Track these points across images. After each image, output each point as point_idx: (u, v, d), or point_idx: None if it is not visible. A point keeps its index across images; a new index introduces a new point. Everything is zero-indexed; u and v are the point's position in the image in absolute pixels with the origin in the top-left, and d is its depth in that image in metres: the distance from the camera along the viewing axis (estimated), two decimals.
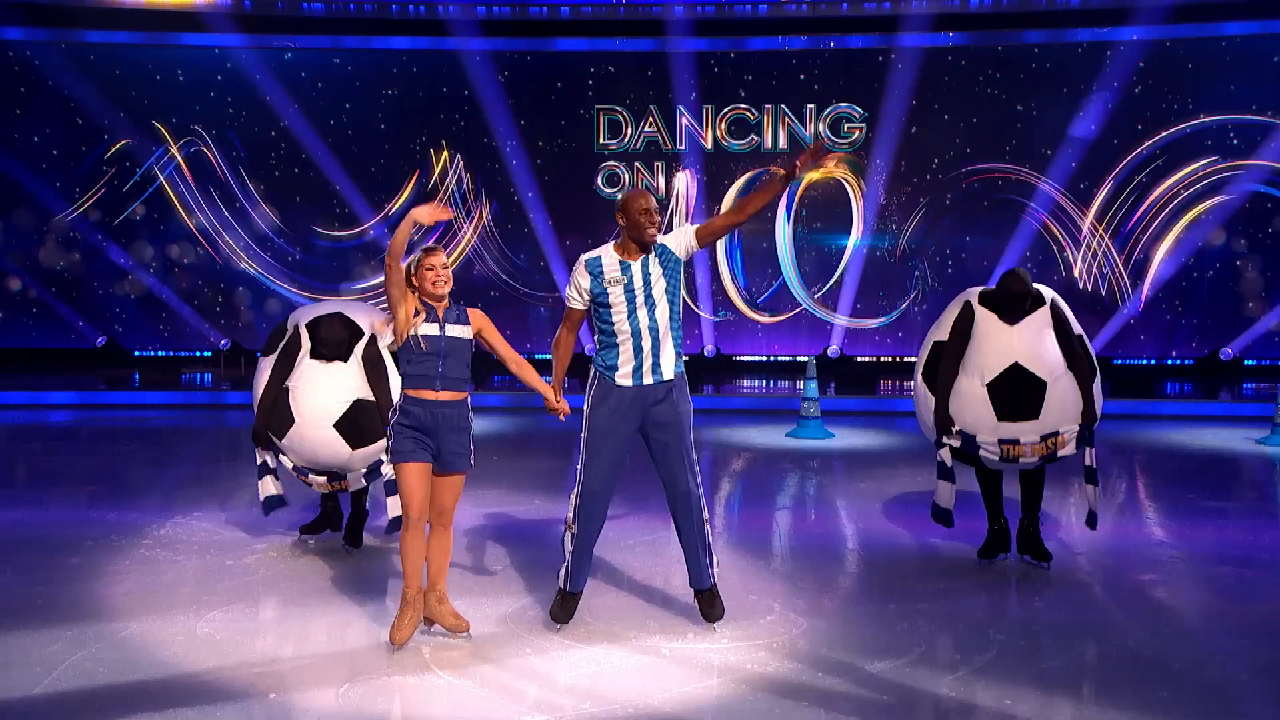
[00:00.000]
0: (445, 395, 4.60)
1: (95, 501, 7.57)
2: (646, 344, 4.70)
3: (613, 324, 4.71)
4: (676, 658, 4.52)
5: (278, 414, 5.85)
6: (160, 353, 16.87)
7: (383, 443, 5.74)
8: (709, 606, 4.85)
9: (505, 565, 5.90)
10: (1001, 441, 5.60)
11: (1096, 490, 5.78)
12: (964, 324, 5.73)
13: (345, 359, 5.83)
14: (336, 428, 5.76)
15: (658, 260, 4.73)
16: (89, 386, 14.29)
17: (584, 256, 4.79)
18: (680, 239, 4.77)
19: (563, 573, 4.86)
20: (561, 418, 4.83)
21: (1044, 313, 5.68)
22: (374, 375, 5.83)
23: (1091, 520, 5.83)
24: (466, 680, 4.28)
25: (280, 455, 6.04)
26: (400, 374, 4.69)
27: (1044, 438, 5.58)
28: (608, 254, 4.76)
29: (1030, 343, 5.59)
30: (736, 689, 4.19)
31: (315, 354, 5.85)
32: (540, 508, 7.36)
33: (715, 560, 4.91)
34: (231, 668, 4.37)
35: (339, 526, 6.39)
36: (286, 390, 5.84)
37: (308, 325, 5.93)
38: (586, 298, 4.75)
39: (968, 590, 5.50)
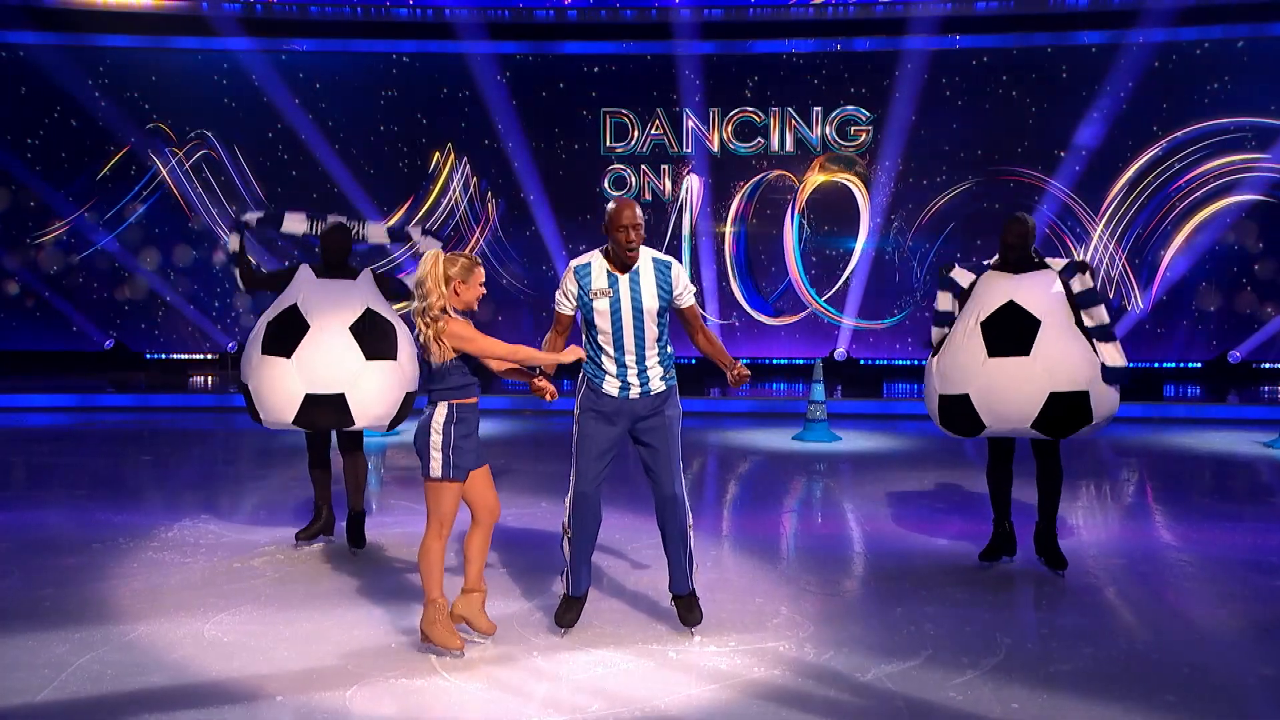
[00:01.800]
0: (477, 397, 4.65)
1: (102, 503, 7.58)
2: (631, 359, 4.67)
3: (597, 337, 4.69)
4: (683, 660, 4.52)
5: (287, 327, 5.75)
6: (168, 355, 16.90)
7: (388, 378, 5.75)
8: (688, 611, 4.83)
9: (511, 568, 5.89)
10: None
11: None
12: (972, 285, 5.76)
13: (353, 277, 5.99)
14: (352, 330, 5.74)
15: (654, 277, 4.65)
16: (96, 389, 14.32)
17: (574, 262, 4.77)
18: (683, 286, 4.71)
19: (564, 577, 4.87)
20: (549, 398, 4.74)
21: (1052, 274, 5.61)
22: (381, 290, 6.00)
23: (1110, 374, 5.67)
24: (473, 682, 4.29)
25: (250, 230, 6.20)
26: (445, 388, 4.54)
27: None
28: (597, 262, 4.70)
29: (1030, 288, 5.55)
30: (743, 692, 4.19)
31: (319, 274, 5.97)
32: (546, 510, 7.35)
33: (695, 565, 4.90)
34: (239, 670, 4.38)
35: (331, 532, 6.39)
36: (294, 306, 5.80)
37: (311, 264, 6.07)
38: (575, 303, 4.73)
39: (975, 593, 5.49)
